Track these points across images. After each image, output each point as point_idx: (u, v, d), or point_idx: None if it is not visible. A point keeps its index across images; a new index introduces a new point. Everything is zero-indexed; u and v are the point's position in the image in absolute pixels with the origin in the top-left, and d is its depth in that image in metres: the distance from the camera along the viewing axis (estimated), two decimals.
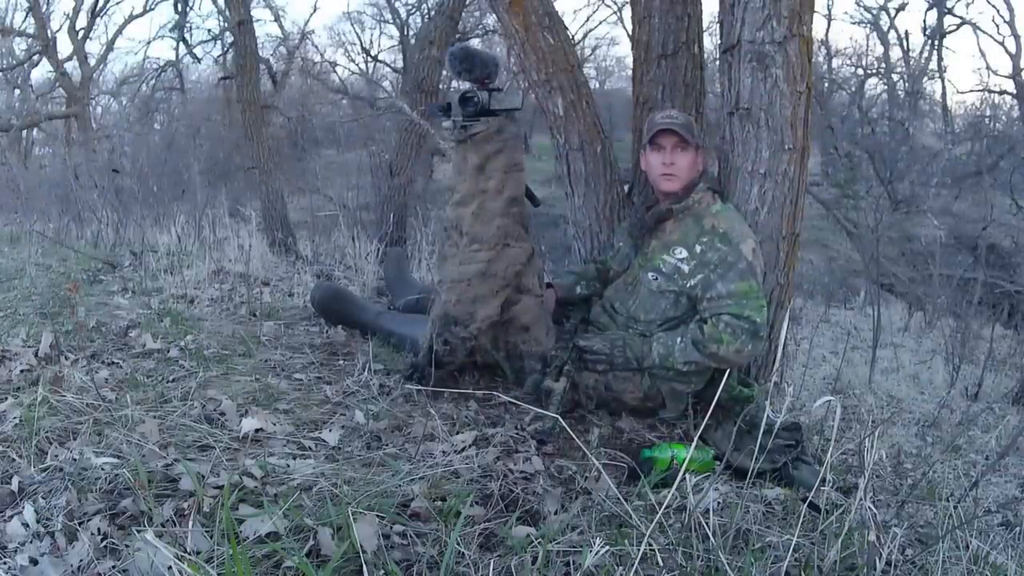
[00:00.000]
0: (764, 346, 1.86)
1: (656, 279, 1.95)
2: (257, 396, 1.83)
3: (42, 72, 15.13)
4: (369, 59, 18.70)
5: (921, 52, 16.58)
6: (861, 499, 1.23)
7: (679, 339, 1.88)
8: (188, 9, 13.01)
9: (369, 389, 1.97)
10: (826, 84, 15.02)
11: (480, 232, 1.94)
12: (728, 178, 2.05)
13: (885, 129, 14.54)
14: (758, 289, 1.83)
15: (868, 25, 16.66)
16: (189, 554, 1.07)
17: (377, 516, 1.22)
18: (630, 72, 2.70)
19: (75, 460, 1.32)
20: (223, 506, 1.14)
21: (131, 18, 15.43)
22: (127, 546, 1.10)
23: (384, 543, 1.17)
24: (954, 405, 3.09)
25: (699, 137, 1.99)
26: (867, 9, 16.42)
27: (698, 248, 1.89)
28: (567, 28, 2.45)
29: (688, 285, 1.90)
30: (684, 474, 1.26)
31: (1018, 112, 14.91)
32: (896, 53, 16.67)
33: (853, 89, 16.41)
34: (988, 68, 31.20)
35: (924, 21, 18.95)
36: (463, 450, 1.62)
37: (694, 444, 1.47)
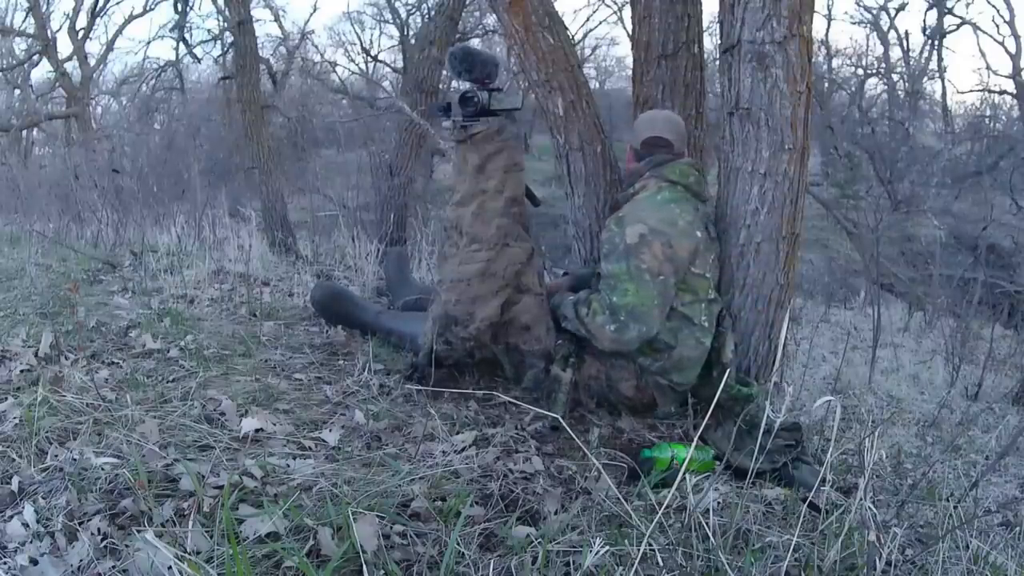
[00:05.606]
0: (633, 333, 1.82)
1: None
2: (257, 396, 1.83)
3: (42, 72, 15.13)
4: (369, 59, 18.72)
5: (921, 52, 16.60)
6: (861, 499, 1.23)
7: (574, 297, 1.97)
8: (188, 9, 13.02)
9: (369, 389, 1.97)
10: (826, 84, 15.01)
11: (480, 232, 1.94)
12: (728, 178, 2.05)
13: (885, 129, 14.54)
14: (626, 271, 1.84)
15: (868, 25, 16.67)
16: (189, 554, 1.07)
17: (377, 516, 1.22)
18: (630, 72, 2.70)
19: (75, 460, 1.32)
20: (223, 506, 1.14)
21: (131, 18, 15.42)
22: (127, 546, 1.10)
23: (384, 543, 1.17)
24: (954, 405, 3.09)
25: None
26: (867, 9, 16.44)
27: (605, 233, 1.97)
28: (567, 28, 2.45)
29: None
30: (684, 474, 1.26)
31: (1018, 112, 14.91)
32: (896, 53, 16.69)
33: (853, 89, 16.41)
34: (988, 68, 31.28)
35: (924, 21, 19.00)
36: (463, 450, 1.62)
37: (694, 444, 1.47)
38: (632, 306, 1.82)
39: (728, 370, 1.84)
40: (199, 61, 14.91)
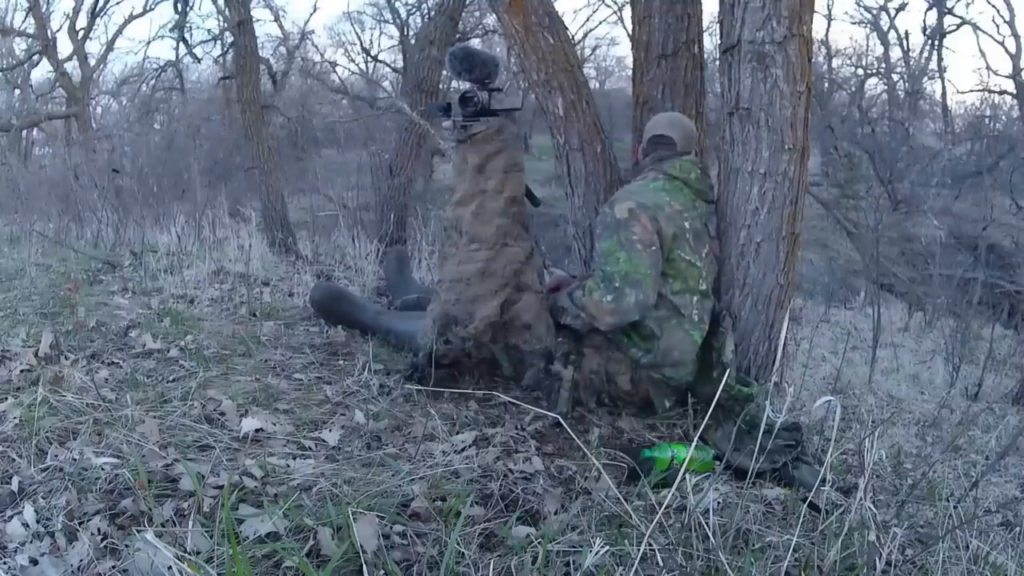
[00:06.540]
0: (631, 299, 1.83)
1: None
2: (257, 396, 1.83)
3: (42, 72, 15.14)
4: (369, 59, 18.72)
5: (921, 52, 16.63)
6: (861, 499, 1.23)
7: (568, 288, 2.01)
8: (188, 9, 13.04)
9: (369, 389, 1.97)
10: (826, 84, 15.04)
11: (479, 232, 1.94)
12: (728, 178, 2.05)
13: (885, 129, 14.55)
14: (617, 243, 1.87)
15: (868, 25, 16.71)
16: (189, 554, 1.07)
17: (377, 516, 1.22)
18: (630, 72, 2.70)
19: (75, 460, 1.32)
20: (223, 506, 1.14)
21: (131, 18, 15.42)
22: (127, 546, 1.10)
23: (384, 543, 1.17)
24: (954, 405, 3.08)
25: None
26: (867, 9, 16.47)
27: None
28: (567, 28, 2.45)
29: None
30: (684, 474, 1.26)
31: (1018, 112, 14.92)
32: (896, 53, 16.72)
33: (853, 89, 16.44)
34: (988, 68, 31.26)
35: (924, 21, 19.04)
36: (463, 450, 1.62)
37: (694, 444, 1.47)
38: (626, 272, 1.84)
39: (728, 370, 1.84)
40: (199, 61, 14.95)
